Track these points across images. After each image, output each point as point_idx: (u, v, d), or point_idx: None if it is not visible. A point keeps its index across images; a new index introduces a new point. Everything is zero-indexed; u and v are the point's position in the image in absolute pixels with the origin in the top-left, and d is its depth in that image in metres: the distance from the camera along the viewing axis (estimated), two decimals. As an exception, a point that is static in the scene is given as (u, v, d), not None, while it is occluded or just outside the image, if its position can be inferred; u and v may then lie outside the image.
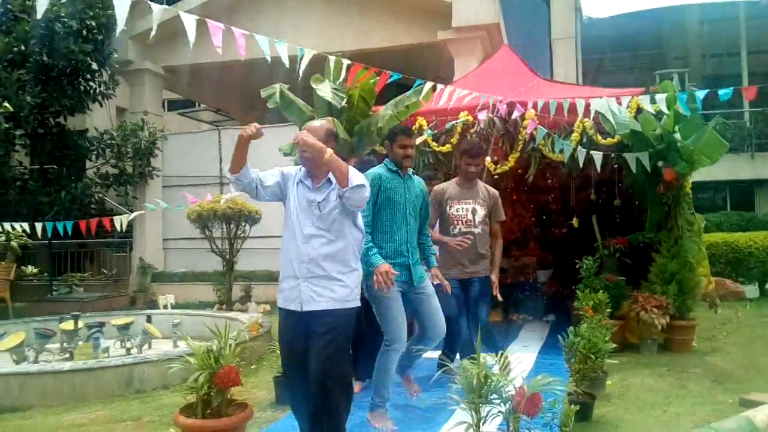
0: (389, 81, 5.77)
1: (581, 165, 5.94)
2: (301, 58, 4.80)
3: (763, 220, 13.94)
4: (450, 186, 4.84)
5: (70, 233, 6.65)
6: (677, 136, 5.87)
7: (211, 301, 10.04)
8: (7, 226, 7.01)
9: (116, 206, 12.81)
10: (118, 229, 6.55)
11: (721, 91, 5.26)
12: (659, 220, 6.42)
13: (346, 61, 5.47)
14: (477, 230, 4.77)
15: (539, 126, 6.00)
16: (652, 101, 5.56)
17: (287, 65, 4.70)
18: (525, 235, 9.83)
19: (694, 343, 6.23)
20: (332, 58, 5.46)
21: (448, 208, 4.76)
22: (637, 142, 5.95)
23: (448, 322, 4.27)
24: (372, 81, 6.10)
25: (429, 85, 5.91)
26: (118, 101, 13.01)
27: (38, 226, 6.66)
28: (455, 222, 4.78)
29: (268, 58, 4.50)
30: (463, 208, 4.74)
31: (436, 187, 4.87)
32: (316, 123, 3.27)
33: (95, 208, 11.47)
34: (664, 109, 5.44)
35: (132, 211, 8.84)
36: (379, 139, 6.66)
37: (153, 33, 4.89)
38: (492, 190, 5.00)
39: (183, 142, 13.09)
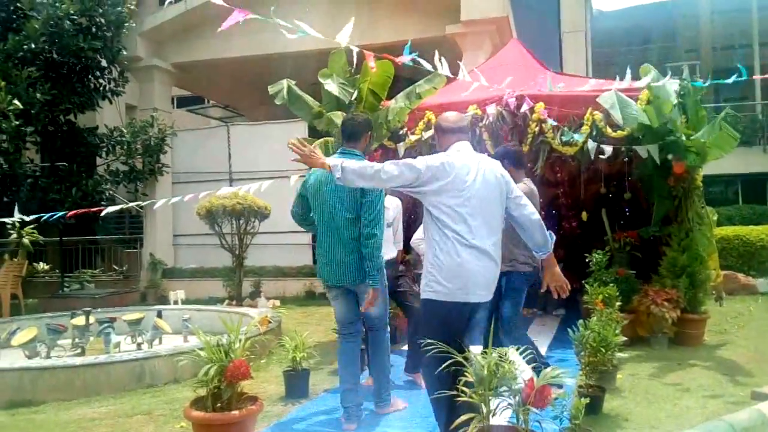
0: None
1: (592, 157, 5.90)
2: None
3: (775, 213, 13.81)
4: None
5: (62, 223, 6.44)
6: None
7: (221, 296, 10.07)
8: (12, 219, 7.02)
9: (126, 203, 12.87)
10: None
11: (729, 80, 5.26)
12: (666, 213, 6.37)
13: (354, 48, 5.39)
14: None
15: (548, 119, 5.97)
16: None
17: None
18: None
19: (705, 336, 6.19)
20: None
21: None
22: (647, 134, 5.90)
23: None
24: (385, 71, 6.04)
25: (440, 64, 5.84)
26: (128, 98, 13.05)
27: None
28: None
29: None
30: None
31: None
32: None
33: (105, 204, 11.53)
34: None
35: (142, 208, 8.87)
36: (389, 133, 6.64)
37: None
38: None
39: (192, 138, 13.11)
